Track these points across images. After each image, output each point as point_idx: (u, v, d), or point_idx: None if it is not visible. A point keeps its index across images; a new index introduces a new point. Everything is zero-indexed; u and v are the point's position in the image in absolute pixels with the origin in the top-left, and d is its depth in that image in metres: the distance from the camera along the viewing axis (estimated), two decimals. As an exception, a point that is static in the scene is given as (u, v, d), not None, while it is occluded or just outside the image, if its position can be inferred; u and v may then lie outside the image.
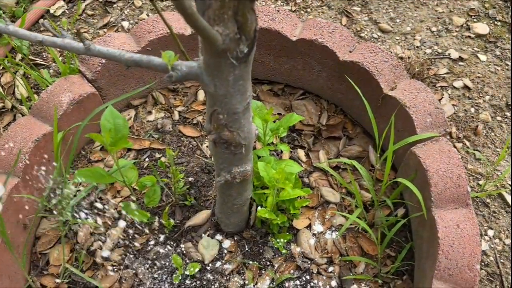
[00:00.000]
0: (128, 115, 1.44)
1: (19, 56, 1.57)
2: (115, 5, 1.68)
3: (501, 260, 1.14)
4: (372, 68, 1.21)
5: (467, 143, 1.33)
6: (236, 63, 0.67)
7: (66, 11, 1.65)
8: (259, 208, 1.08)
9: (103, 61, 1.29)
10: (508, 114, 1.39)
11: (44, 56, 1.57)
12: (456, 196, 1.02)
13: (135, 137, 1.39)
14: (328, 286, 1.16)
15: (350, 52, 1.28)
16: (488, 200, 1.23)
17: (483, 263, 1.14)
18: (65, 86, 1.25)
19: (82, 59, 1.30)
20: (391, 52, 1.48)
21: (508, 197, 1.22)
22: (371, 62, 1.22)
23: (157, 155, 1.37)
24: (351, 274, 1.17)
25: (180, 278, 1.15)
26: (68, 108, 1.23)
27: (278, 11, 1.34)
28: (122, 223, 1.26)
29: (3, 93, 1.48)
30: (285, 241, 1.20)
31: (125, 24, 1.62)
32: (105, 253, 1.22)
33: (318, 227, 1.25)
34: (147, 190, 1.23)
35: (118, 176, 1.05)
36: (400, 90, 1.18)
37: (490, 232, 1.18)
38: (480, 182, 1.25)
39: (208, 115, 0.80)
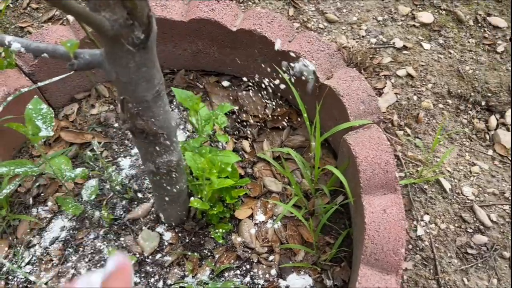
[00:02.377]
0: (71, 109, 1.42)
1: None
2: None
3: (436, 245, 1.15)
4: (308, 57, 1.21)
5: (409, 131, 1.35)
6: (134, 50, 0.66)
7: (11, 4, 1.62)
8: (191, 198, 1.08)
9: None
10: (450, 101, 1.41)
11: (-13, 50, 1.54)
12: (385, 182, 1.03)
13: (78, 131, 1.37)
14: (267, 275, 1.17)
15: (290, 42, 1.28)
16: (425, 186, 1.25)
17: (418, 248, 1.16)
18: (0, 81, 1.23)
19: (19, 52, 1.28)
20: (336, 42, 1.49)
21: (445, 183, 1.24)
22: (307, 52, 1.22)
23: (100, 149, 1.35)
24: (291, 262, 1.17)
25: (116, 271, 1.14)
26: (1, 102, 1.20)
27: (218, 1, 1.33)
28: (62, 218, 1.25)
29: None
30: (224, 231, 1.20)
31: (70, 17, 1.59)
32: (45, 247, 1.20)
33: (260, 217, 1.26)
34: (85, 182, 1.22)
35: (48, 168, 1.04)
36: (336, 79, 1.19)
37: (426, 218, 1.19)
38: (419, 169, 1.27)
39: (119, 103, 0.79)
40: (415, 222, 1.19)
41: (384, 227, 0.97)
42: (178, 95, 1.03)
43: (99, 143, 1.34)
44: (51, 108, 0.97)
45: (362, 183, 1.03)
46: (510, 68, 1.45)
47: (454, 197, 1.23)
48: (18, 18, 1.60)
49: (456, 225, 1.18)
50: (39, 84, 0.83)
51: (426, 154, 1.28)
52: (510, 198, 1.22)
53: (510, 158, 1.29)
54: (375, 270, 0.95)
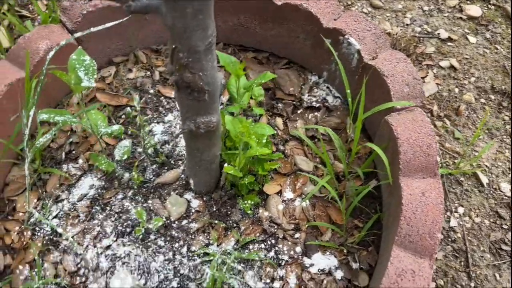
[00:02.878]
0: (109, 71, 1.43)
1: (5, 7, 1.55)
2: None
3: (469, 238, 1.12)
4: (354, 36, 1.19)
5: (448, 122, 1.32)
6: (194, -7, 0.65)
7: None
8: (225, 164, 1.07)
9: (84, 12, 1.27)
10: (492, 97, 1.37)
11: (30, 8, 1.56)
12: (425, 165, 1.00)
13: (113, 93, 1.38)
14: (292, 251, 1.15)
15: (335, 20, 1.26)
16: (462, 179, 1.21)
17: (450, 239, 1.13)
18: (44, 34, 1.24)
19: (63, 9, 1.29)
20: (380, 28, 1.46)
21: (482, 177, 1.21)
22: (353, 30, 1.20)
23: (134, 113, 1.35)
24: (317, 241, 1.15)
25: (142, 231, 1.14)
26: (44, 55, 1.21)
27: (265, -26, 1.31)
28: (91, 176, 1.25)
29: (-15, 42, 1.47)
30: (252, 202, 1.19)
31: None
32: (73, 203, 1.21)
33: (288, 194, 1.24)
34: (118, 143, 1.22)
35: (85, 121, 1.04)
36: (381, 60, 1.16)
37: (461, 210, 1.16)
38: (457, 161, 1.23)
39: (170, 53, 0.78)
40: (448, 213, 1.16)
41: (422, 210, 0.94)
42: (222, 59, 1.02)
43: (131, 107, 1.34)
44: (93, 60, 0.97)
45: (402, 165, 1.00)
46: (558, 68, 1.40)
47: (491, 192, 1.19)
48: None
49: (491, 220, 1.15)
50: (80, 33, 0.82)
51: (465, 147, 1.25)
52: (510, 197, 1.18)
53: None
54: (409, 252, 0.93)
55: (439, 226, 0.93)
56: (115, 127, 1.06)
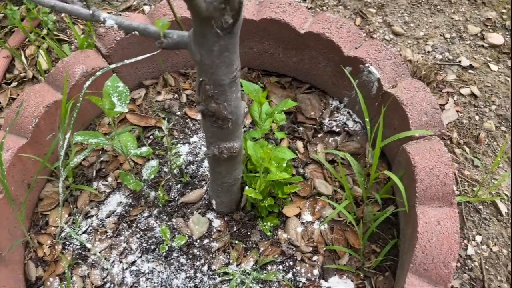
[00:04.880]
0: (139, 94, 1.50)
1: (44, 31, 1.65)
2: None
3: (486, 267, 1.13)
4: (374, 65, 1.23)
5: (467, 150, 1.33)
6: (221, 33, 0.70)
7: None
8: (246, 187, 1.11)
9: (118, 38, 1.35)
10: (513, 125, 1.37)
11: (68, 32, 1.66)
12: (441, 194, 1.02)
13: (143, 114, 1.45)
14: (310, 274, 1.18)
15: (356, 48, 1.30)
16: (480, 207, 1.22)
17: (467, 268, 1.13)
18: (80, 59, 1.32)
19: (98, 35, 1.37)
20: (400, 55, 1.49)
21: (501, 206, 1.22)
22: (374, 59, 1.24)
23: (162, 134, 1.42)
24: (334, 265, 1.18)
25: (166, 248, 1.19)
26: (80, 79, 1.29)
27: (289, 4, 1.37)
28: (119, 194, 1.32)
29: (26, 64, 1.57)
30: (272, 225, 1.23)
31: (146, 8, 1.69)
32: (101, 219, 1.27)
33: (307, 217, 1.27)
34: (145, 163, 1.29)
35: (116, 143, 1.10)
36: (400, 88, 1.19)
37: (478, 238, 1.17)
38: (475, 189, 1.24)
39: (197, 85, 0.84)
40: (466, 241, 1.17)
41: (437, 238, 0.96)
42: (245, 87, 1.08)
43: (159, 128, 1.40)
44: (126, 87, 1.03)
45: (418, 193, 1.02)
46: None
47: (510, 221, 1.19)
48: (99, 5, 1.70)
49: (510, 249, 1.15)
50: (115, 65, 0.89)
51: (484, 175, 1.26)
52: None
53: (510, 167, 1.25)
54: (423, 280, 0.95)
55: (454, 255, 0.94)
56: (144, 149, 1.12)
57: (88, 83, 0.93)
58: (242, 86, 1.12)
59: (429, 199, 1.02)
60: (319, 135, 1.42)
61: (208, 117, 0.89)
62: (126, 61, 0.90)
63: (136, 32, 0.81)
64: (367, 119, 1.12)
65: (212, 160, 1.04)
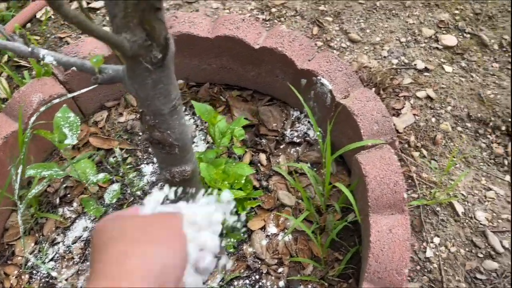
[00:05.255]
0: (101, 116, 1.51)
1: (5, 58, 1.65)
2: (98, 11, 1.75)
3: (445, 268, 1.16)
4: (326, 77, 1.25)
5: (425, 152, 1.36)
6: (152, 68, 0.72)
7: (52, 16, 1.74)
8: (205, 207, 1.13)
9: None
10: (469, 125, 1.41)
11: (28, 58, 1.66)
12: (393, 202, 1.05)
13: (105, 137, 1.46)
14: (276, 286, 1.20)
15: (309, 61, 1.32)
16: (438, 208, 1.25)
17: (426, 270, 1.16)
18: (37, 87, 1.33)
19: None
20: (357, 62, 1.52)
21: (458, 206, 1.25)
22: (325, 71, 1.26)
23: (125, 155, 1.43)
24: (299, 275, 1.20)
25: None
26: (37, 107, 1.30)
27: (243, 20, 1.39)
28: (85, 219, 1.32)
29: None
30: (236, 241, 1.25)
31: (107, 29, 1.69)
32: (68, 246, 1.28)
33: (272, 229, 1.29)
34: (109, 185, 1.30)
35: (73, 172, 1.11)
36: (352, 99, 1.22)
37: (436, 240, 1.20)
38: (433, 191, 1.27)
39: (139, 116, 0.85)
40: (424, 244, 1.19)
41: (389, 247, 0.99)
42: (197, 109, 1.09)
43: (122, 149, 1.41)
44: (77, 117, 1.04)
45: (370, 202, 1.05)
46: (533, 94, 1.44)
47: (467, 221, 1.23)
48: (58, 28, 1.71)
49: (467, 249, 1.18)
50: (69, 95, 0.91)
51: (441, 176, 1.29)
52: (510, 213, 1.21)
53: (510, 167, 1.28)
54: (377, 287, 0.97)
55: (406, 262, 0.97)
56: (101, 176, 1.13)
57: (37, 114, 0.93)
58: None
59: (381, 208, 1.05)
60: (281, 146, 1.44)
61: (154, 145, 0.91)
62: (69, 95, 0.91)
63: (74, 68, 0.82)
64: (318, 133, 1.15)
65: (167, 183, 1.05)
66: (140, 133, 1.47)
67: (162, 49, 0.70)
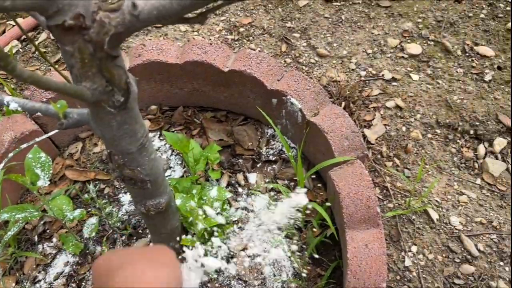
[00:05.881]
0: (76, 147, 1.50)
1: (-25, 95, 1.64)
2: (67, 42, 1.75)
3: (423, 275, 1.18)
4: (295, 96, 1.27)
5: (398, 161, 1.39)
6: (115, 111, 0.73)
7: (20, 49, 1.73)
8: (183, 236, 1.14)
9: (44, 99, 1.35)
10: (438, 131, 1.44)
11: (-1, 94, 1.64)
12: (367, 216, 1.07)
13: (81, 169, 1.45)
14: (260, 307, 1.21)
15: (278, 81, 1.34)
16: (413, 217, 1.28)
17: (405, 279, 1.18)
18: (8, 125, 1.32)
19: (25, 97, 1.37)
20: (326, 76, 1.54)
21: (433, 213, 1.27)
22: (294, 91, 1.28)
23: (102, 186, 1.43)
24: (283, 294, 1.21)
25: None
26: (10, 146, 1.29)
27: (210, 44, 1.41)
28: (66, 254, 1.31)
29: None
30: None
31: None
32: (49, 283, 1.27)
33: (253, 249, 1.30)
34: (88, 218, 1.29)
35: (49, 210, 1.11)
36: (321, 116, 1.24)
37: (414, 248, 1.22)
38: (407, 200, 1.30)
39: (108, 156, 0.86)
40: (403, 253, 1.22)
41: (366, 262, 1.01)
42: (168, 138, 1.10)
43: (98, 180, 1.41)
44: (49, 157, 1.04)
45: (345, 218, 1.07)
46: (498, 96, 1.48)
47: (442, 227, 1.26)
48: (27, 62, 1.70)
49: (444, 255, 1.21)
50: (37, 140, 0.91)
51: (415, 184, 1.32)
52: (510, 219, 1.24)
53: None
54: (358, 304, 0.99)
55: (383, 276, 0.99)
56: (77, 212, 1.13)
57: (10, 155, 0.93)
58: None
59: (357, 223, 1.07)
60: (258, 165, 1.46)
61: (126, 181, 0.91)
62: (42, 137, 0.91)
63: (39, 113, 0.82)
64: (289, 153, 1.16)
65: (143, 215, 1.05)
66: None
67: (124, 93, 0.71)
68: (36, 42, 1.74)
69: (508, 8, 1.69)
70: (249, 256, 1.29)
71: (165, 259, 0.55)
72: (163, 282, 0.49)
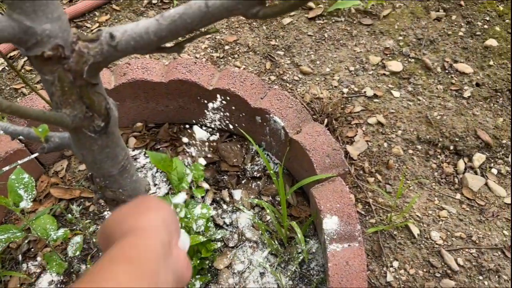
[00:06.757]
0: (61, 165, 1.51)
1: (-40, 113, 1.64)
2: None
3: (405, 290, 1.20)
4: (278, 114, 1.30)
5: (379, 177, 1.41)
6: (96, 136, 0.74)
7: (6, 67, 1.74)
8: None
9: (27, 120, 1.36)
10: (419, 147, 1.47)
11: (-16, 112, 1.65)
12: (348, 234, 1.09)
13: (66, 187, 1.46)
14: (244, 324, 1.21)
15: (262, 99, 1.36)
16: (395, 232, 1.30)
17: (387, 294, 1.20)
18: (-8, 145, 1.33)
19: (9, 117, 1.38)
20: (309, 93, 1.57)
21: (414, 229, 1.30)
22: (277, 109, 1.31)
23: (87, 203, 1.43)
24: (267, 311, 1.22)
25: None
26: (-6, 165, 1.30)
27: (195, 62, 1.43)
28: (50, 273, 1.31)
29: None
30: (202, 283, 1.26)
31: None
32: (33, 303, 1.27)
33: (238, 266, 1.31)
34: (73, 236, 1.29)
35: (34, 230, 1.11)
36: (303, 134, 1.26)
37: (395, 264, 1.24)
38: (389, 215, 1.32)
39: (90, 178, 0.87)
40: (384, 268, 1.24)
41: (347, 279, 1.02)
42: (152, 158, 1.12)
43: (83, 198, 1.42)
44: (32, 178, 1.05)
45: (326, 235, 1.09)
46: (477, 112, 1.52)
47: (423, 242, 1.28)
48: (13, 80, 1.71)
49: (425, 270, 1.23)
50: (19, 162, 0.92)
51: (396, 200, 1.34)
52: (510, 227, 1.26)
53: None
54: (339, 321, 1.00)
55: (363, 293, 1.01)
56: (61, 232, 1.13)
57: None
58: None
59: (338, 240, 1.09)
60: (242, 182, 1.48)
61: (109, 202, 0.92)
62: (25, 158, 0.92)
63: (21, 137, 0.84)
64: (271, 171, 1.18)
65: (127, 235, 1.06)
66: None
67: (104, 118, 0.73)
68: (22, 61, 1.75)
69: (486, 27, 1.74)
70: (234, 273, 1.30)
71: (163, 204, 0.57)
72: (165, 218, 0.52)
